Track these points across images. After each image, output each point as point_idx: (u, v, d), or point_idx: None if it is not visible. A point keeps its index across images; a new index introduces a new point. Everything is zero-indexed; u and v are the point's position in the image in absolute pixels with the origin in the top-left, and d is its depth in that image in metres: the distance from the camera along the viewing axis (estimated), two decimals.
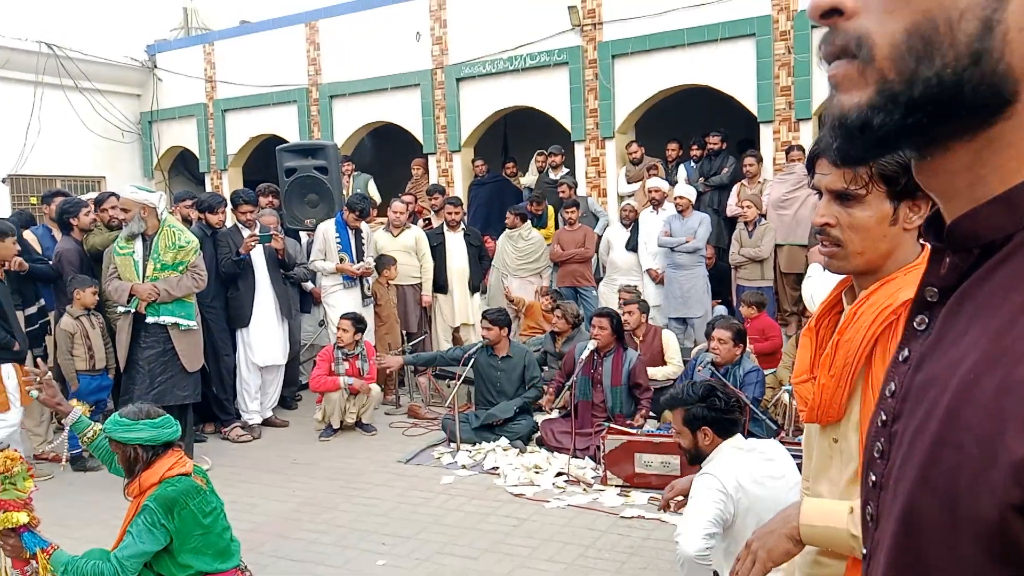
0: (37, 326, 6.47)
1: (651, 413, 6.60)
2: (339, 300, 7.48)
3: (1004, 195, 0.65)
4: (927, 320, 0.74)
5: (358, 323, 6.77)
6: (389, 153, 12.73)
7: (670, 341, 7.05)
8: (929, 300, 0.74)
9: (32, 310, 6.47)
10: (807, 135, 9.13)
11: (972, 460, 0.61)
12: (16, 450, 3.22)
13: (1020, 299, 0.62)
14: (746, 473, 3.08)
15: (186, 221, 7.18)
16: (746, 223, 8.29)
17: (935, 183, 0.71)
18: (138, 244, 5.92)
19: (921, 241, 1.57)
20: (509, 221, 9.06)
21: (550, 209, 9.79)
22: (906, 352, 0.76)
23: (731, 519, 3.04)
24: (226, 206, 7.10)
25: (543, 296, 8.83)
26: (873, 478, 0.77)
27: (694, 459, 3.32)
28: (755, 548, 1.58)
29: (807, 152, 7.07)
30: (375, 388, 6.93)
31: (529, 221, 9.16)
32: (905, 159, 1.39)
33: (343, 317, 6.84)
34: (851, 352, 1.53)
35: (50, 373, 3.76)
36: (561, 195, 9.48)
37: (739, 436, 3.32)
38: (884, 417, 0.77)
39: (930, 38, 0.62)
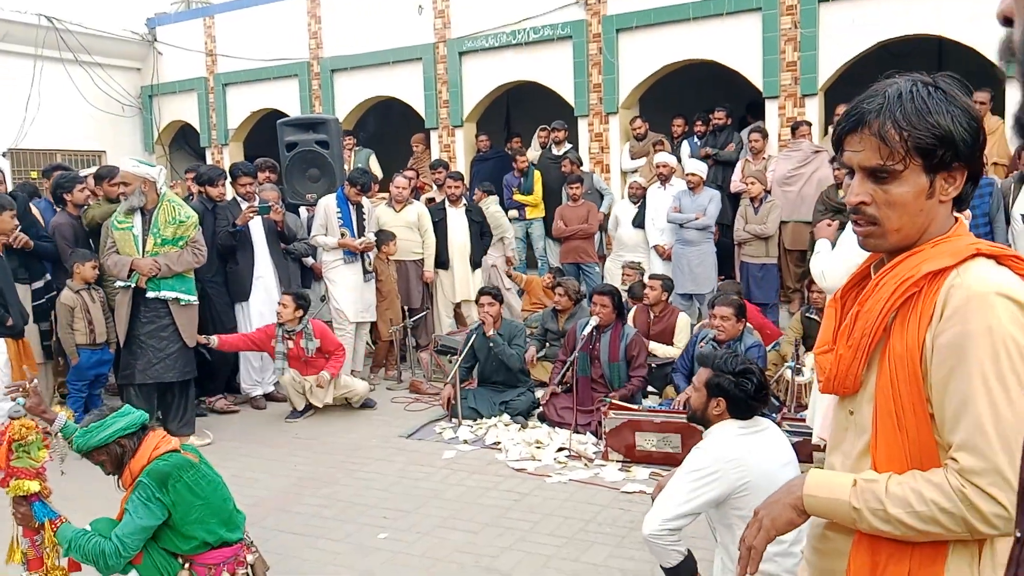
0: (44, 300, 6.46)
1: (652, 389, 6.61)
2: (340, 275, 7.44)
3: None
4: None
5: (299, 299, 6.64)
6: (391, 128, 12.65)
7: (683, 325, 7.01)
8: None
9: (39, 284, 6.46)
10: (812, 111, 9.05)
11: None
12: (33, 420, 3.23)
13: None
14: (745, 450, 3.07)
15: (187, 195, 7.16)
16: (752, 199, 8.23)
17: None
18: (137, 218, 5.87)
19: (955, 213, 1.52)
20: (476, 197, 9.03)
21: (537, 174, 9.70)
22: None
23: (725, 495, 3.03)
24: (226, 179, 7.06)
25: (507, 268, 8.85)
26: None
27: (695, 420, 3.29)
28: (761, 516, 1.59)
29: (814, 126, 6.96)
30: (325, 376, 6.61)
31: (495, 196, 9.14)
32: (942, 130, 1.37)
33: (285, 293, 6.70)
34: (869, 323, 1.49)
35: (36, 381, 3.73)
36: (563, 170, 9.42)
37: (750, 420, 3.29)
38: None
39: None
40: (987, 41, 8.08)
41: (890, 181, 1.44)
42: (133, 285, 5.83)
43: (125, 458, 3.22)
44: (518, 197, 9.64)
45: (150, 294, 5.85)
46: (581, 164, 9.78)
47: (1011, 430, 1.33)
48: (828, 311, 1.68)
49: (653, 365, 6.52)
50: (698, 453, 3.12)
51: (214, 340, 6.43)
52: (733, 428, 3.17)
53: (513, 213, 9.76)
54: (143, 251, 5.81)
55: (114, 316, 6.11)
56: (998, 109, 8.01)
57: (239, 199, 6.98)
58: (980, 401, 1.34)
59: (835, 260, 3.65)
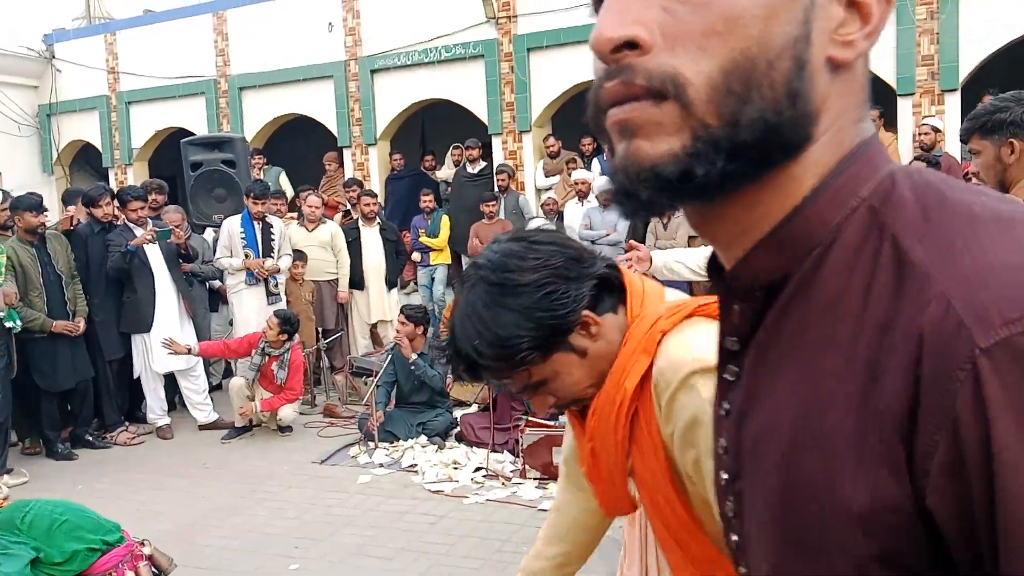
0: None
1: None
2: (243, 299, 7.22)
3: (771, 234, 0.63)
4: (737, 370, 0.71)
5: (285, 323, 6.52)
6: (302, 146, 12.46)
7: None
8: (732, 350, 0.72)
9: None
10: None
11: (819, 518, 0.59)
12: None
13: (813, 340, 0.61)
14: None
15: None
16: (661, 215, 8.40)
17: (715, 231, 0.68)
18: None
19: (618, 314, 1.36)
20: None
21: (445, 218, 9.45)
22: (726, 405, 0.73)
23: None
24: (112, 197, 6.80)
25: None
26: (736, 538, 0.74)
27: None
28: None
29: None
30: (285, 409, 6.60)
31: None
32: (531, 330, 1.22)
33: (273, 314, 6.66)
34: (610, 458, 1.36)
35: None
36: (500, 183, 9.42)
37: None
38: (725, 476, 0.74)
39: (750, 78, 0.58)
40: (877, 60, 8.47)
41: (543, 388, 1.31)
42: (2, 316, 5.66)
43: None
44: (424, 240, 9.48)
45: (8, 324, 5.64)
46: (513, 176, 9.82)
47: None
48: (571, 419, 1.50)
49: None
50: None
51: (195, 348, 6.50)
52: None
53: (416, 257, 9.56)
54: None
55: None
56: (891, 125, 8.39)
57: (131, 225, 6.71)
58: None
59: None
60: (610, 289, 1.32)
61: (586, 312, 1.26)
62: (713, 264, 0.72)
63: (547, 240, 1.27)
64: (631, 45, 0.60)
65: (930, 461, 0.53)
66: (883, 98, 8.29)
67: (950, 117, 8.18)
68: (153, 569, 3.43)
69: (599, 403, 1.33)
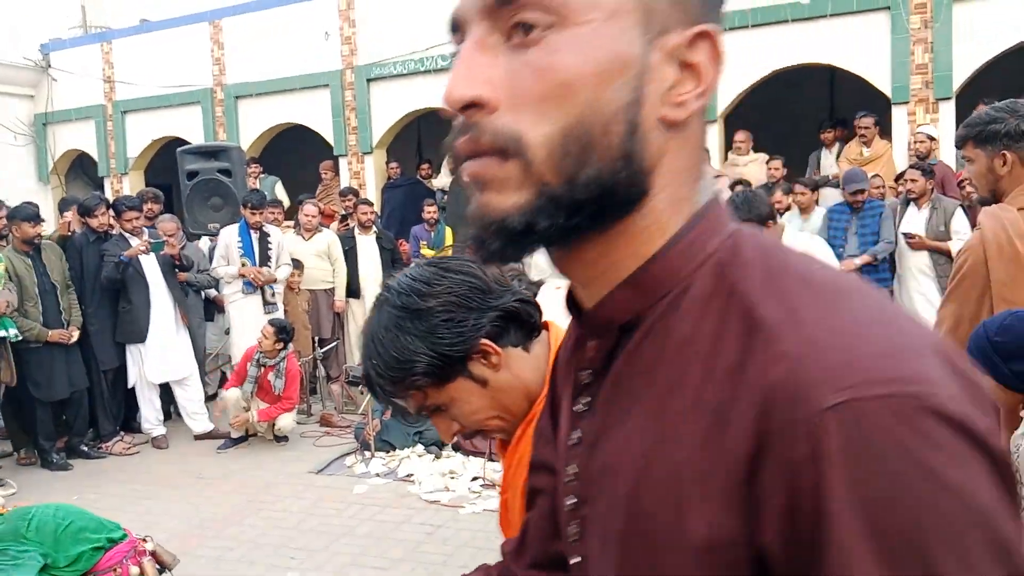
0: None
1: None
2: (240, 308, 7.23)
3: (630, 279, 0.68)
4: (589, 400, 0.75)
5: (281, 331, 6.50)
6: (299, 155, 12.47)
7: None
8: (585, 383, 0.76)
9: None
10: (712, 137, 9.31)
11: (662, 548, 0.63)
12: None
13: (664, 378, 0.65)
14: None
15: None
16: None
17: (572, 271, 0.72)
18: None
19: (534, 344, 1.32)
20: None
21: (448, 230, 9.52)
22: (577, 434, 0.76)
23: None
24: (108, 207, 6.80)
25: None
26: (577, 560, 0.77)
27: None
28: None
29: (713, 151, 7.01)
30: (283, 419, 6.57)
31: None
32: (423, 355, 1.22)
33: (269, 323, 6.62)
34: (514, 515, 1.34)
35: None
36: None
37: None
38: (572, 501, 0.77)
39: (586, 141, 0.62)
40: (872, 69, 8.51)
41: (441, 413, 1.30)
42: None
43: None
44: (427, 252, 9.45)
45: (0, 332, 5.64)
46: None
47: None
48: (500, 454, 1.47)
49: None
50: None
51: (254, 416, 6.41)
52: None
53: None
54: None
55: None
56: (885, 133, 8.41)
57: (126, 235, 6.70)
58: None
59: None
60: (519, 324, 1.30)
61: (485, 341, 1.25)
62: (570, 300, 0.77)
63: (458, 269, 1.27)
64: (478, 104, 0.63)
65: (767, 503, 0.57)
66: (878, 107, 8.31)
67: (945, 125, 8.20)
68: (157, 565, 3.43)
69: (512, 461, 1.33)
